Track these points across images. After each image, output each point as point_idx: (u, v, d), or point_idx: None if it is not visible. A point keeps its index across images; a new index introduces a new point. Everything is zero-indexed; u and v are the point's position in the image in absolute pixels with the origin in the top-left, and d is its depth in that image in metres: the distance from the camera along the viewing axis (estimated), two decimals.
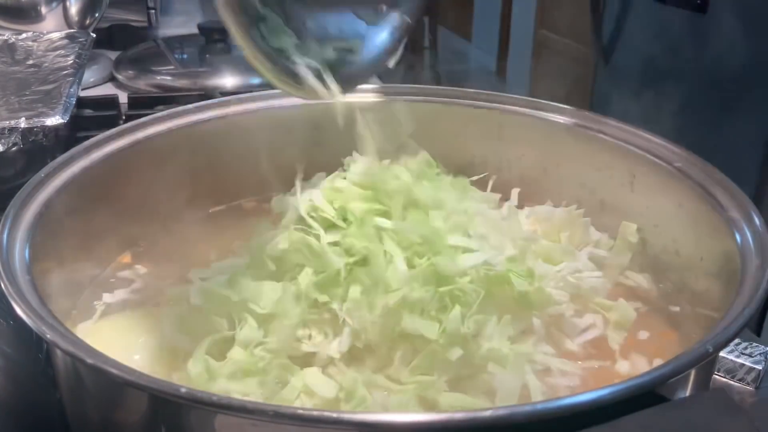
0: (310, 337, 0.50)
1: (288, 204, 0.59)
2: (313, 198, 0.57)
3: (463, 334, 0.48)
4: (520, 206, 0.70)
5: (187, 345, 0.50)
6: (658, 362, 0.54)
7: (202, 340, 0.49)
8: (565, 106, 0.70)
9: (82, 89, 1.02)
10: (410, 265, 0.52)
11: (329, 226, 0.55)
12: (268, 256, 0.55)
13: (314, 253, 0.52)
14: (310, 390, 0.47)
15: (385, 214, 0.56)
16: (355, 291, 0.50)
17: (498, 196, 0.68)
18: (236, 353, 0.48)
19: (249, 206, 0.75)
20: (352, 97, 0.75)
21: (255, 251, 0.56)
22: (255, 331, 0.49)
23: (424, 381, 0.46)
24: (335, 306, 0.50)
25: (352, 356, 0.50)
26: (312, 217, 0.55)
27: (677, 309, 0.60)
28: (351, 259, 0.52)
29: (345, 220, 0.55)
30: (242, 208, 0.74)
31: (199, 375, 0.47)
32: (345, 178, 0.60)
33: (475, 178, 0.64)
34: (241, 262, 0.59)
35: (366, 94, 0.76)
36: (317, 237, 0.53)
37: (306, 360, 0.50)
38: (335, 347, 0.49)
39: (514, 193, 0.70)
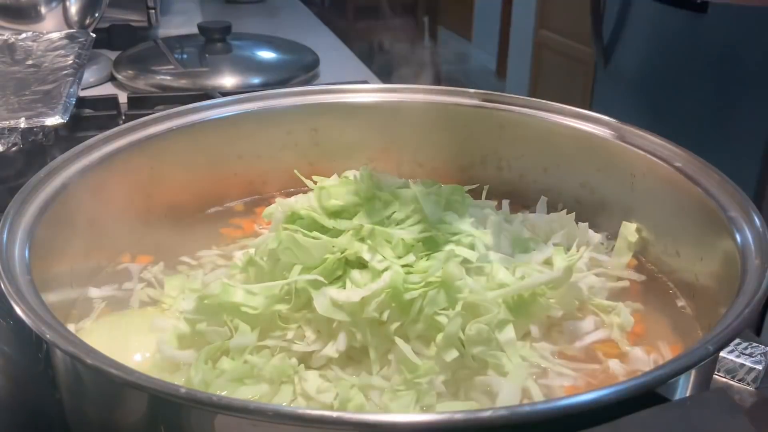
0: (304, 337, 0.50)
1: (278, 207, 0.59)
2: (308, 198, 0.57)
3: (461, 338, 0.48)
4: (514, 211, 0.70)
5: (186, 358, 0.50)
6: (658, 362, 0.54)
7: (200, 350, 0.49)
8: (565, 106, 0.70)
9: (82, 89, 1.02)
10: (407, 269, 0.52)
11: (321, 227, 0.55)
12: (260, 258, 0.55)
13: (301, 249, 0.52)
14: (307, 393, 0.47)
15: (380, 218, 0.56)
16: (349, 287, 0.50)
17: (494, 203, 0.68)
18: (227, 363, 0.48)
19: (247, 207, 0.75)
20: (354, 96, 0.76)
21: (247, 254, 0.56)
22: (248, 336, 0.49)
23: (421, 388, 0.46)
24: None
25: (349, 357, 0.50)
26: (303, 217, 0.56)
27: (677, 309, 0.60)
28: (341, 255, 0.51)
29: (337, 221, 0.55)
30: (241, 208, 0.74)
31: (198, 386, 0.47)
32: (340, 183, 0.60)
33: (468, 188, 0.64)
34: (235, 265, 0.59)
35: (367, 94, 0.76)
36: (305, 234, 0.53)
37: (302, 360, 0.50)
38: (332, 348, 0.49)
39: (505, 204, 0.71)
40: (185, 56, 1.30)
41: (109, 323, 0.56)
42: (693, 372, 0.41)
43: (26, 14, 1.20)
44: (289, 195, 0.74)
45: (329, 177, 0.63)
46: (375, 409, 0.46)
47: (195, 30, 1.33)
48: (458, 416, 0.35)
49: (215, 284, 0.53)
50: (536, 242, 0.62)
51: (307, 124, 0.75)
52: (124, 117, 1.02)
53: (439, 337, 0.48)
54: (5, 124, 0.77)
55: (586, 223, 0.66)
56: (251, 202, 0.75)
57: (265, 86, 1.22)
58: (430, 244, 0.54)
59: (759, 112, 1.60)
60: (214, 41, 1.31)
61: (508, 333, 0.50)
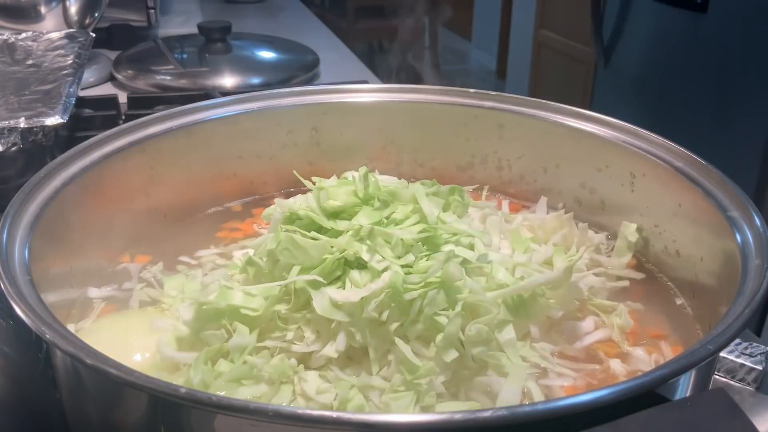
0: (303, 337, 0.50)
1: (276, 208, 0.59)
2: (307, 198, 0.57)
3: (461, 338, 0.48)
4: (513, 211, 0.70)
5: (186, 359, 0.50)
6: (659, 362, 0.54)
7: (200, 351, 0.49)
8: (565, 106, 0.70)
9: (82, 89, 1.02)
10: (406, 270, 0.51)
11: (320, 227, 0.55)
12: (259, 258, 0.55)
13: (300, 249, 0.52)
14: (306, 394, 0.46)
15: (379, 218, 0.56)
16: (348, 288, 0.50)
17: (494, 203, 0.68)
18: (225, 365, 0.48)
19: (247, 207, 0.75)
20: (354, 96, 0.76)
21: (246, 254, 0.56)
22: (247, 336, 0.49)
23: (421, 389, 0.46)
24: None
25: (349, 357, 0.50)
26: (301, 217, 0.56)
27: (677, 309, 0.60)
28: (340, 255, 0.52)
29: (336, 221, 0.55)
30: (241, 209, 0.74)
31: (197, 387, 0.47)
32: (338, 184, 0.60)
33: (469, 188, 0.64)
34: (234, 266, 0.59)
35: (367, 94, 0.76)
36: (304, 235, 0.53)
37: (302, 360, 0.50)
38: (332, 348, 0.49)
39: (505, 204, 0.70)
40: (185, 56, 1.30)
41: (109, 323, 0.56)
42: (693, 372, 0.41)
43: (26, 14, 1.20)
44: (288, 195, 0.74)
45: (329, 177, 0.63)
46: (375, 409, 0.46)
47: (195, 30, 1.33)
48: (458, 416, 0.35)
49: (213, 286, 0.53)
50: (536, 242, 0.62)
51: (307, 124, 0.75)
52: (123, 117, 1.02)
53: (439, 337, 0.48)
54: (5, 124, 0.77)
55: (586, 224, 0.66)
56: (251, 203, 0.75)
57: (265, 86, 1.22)
58: (430, 244, 0.54)
59: (759, 112, 1.60)
60: (214, 41, 1.31)
61: (508, 333, 0.50)
